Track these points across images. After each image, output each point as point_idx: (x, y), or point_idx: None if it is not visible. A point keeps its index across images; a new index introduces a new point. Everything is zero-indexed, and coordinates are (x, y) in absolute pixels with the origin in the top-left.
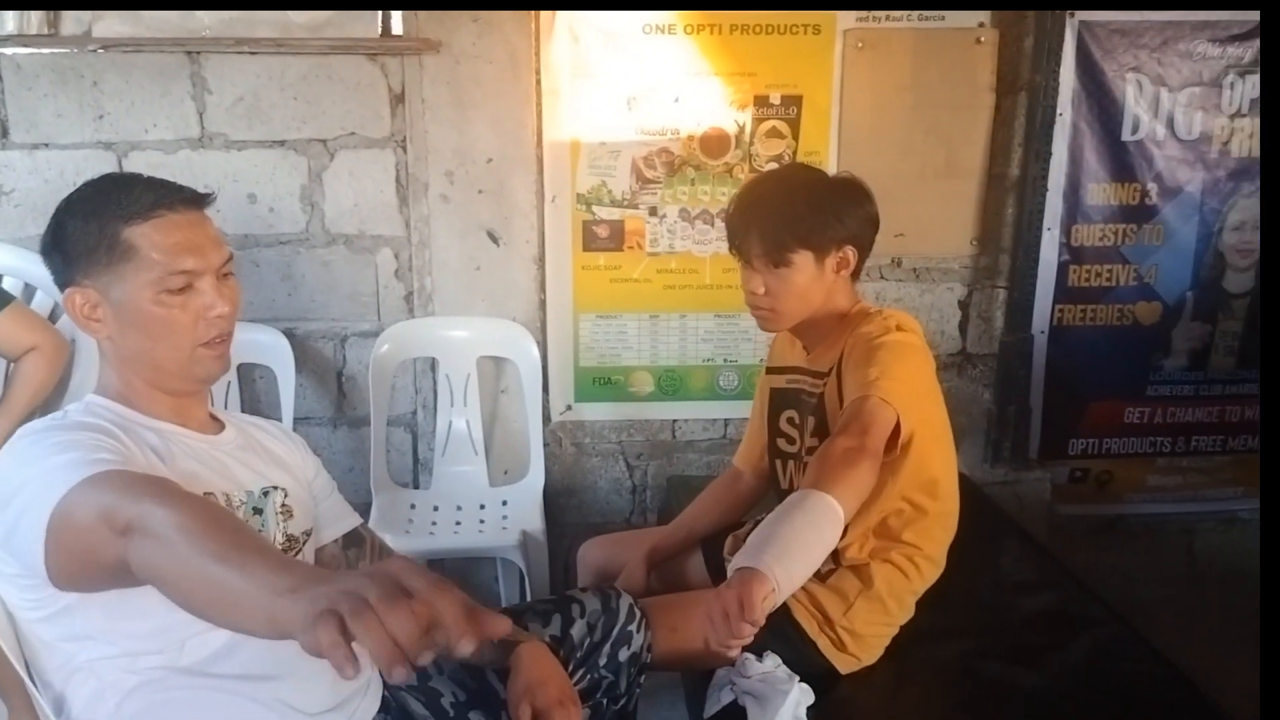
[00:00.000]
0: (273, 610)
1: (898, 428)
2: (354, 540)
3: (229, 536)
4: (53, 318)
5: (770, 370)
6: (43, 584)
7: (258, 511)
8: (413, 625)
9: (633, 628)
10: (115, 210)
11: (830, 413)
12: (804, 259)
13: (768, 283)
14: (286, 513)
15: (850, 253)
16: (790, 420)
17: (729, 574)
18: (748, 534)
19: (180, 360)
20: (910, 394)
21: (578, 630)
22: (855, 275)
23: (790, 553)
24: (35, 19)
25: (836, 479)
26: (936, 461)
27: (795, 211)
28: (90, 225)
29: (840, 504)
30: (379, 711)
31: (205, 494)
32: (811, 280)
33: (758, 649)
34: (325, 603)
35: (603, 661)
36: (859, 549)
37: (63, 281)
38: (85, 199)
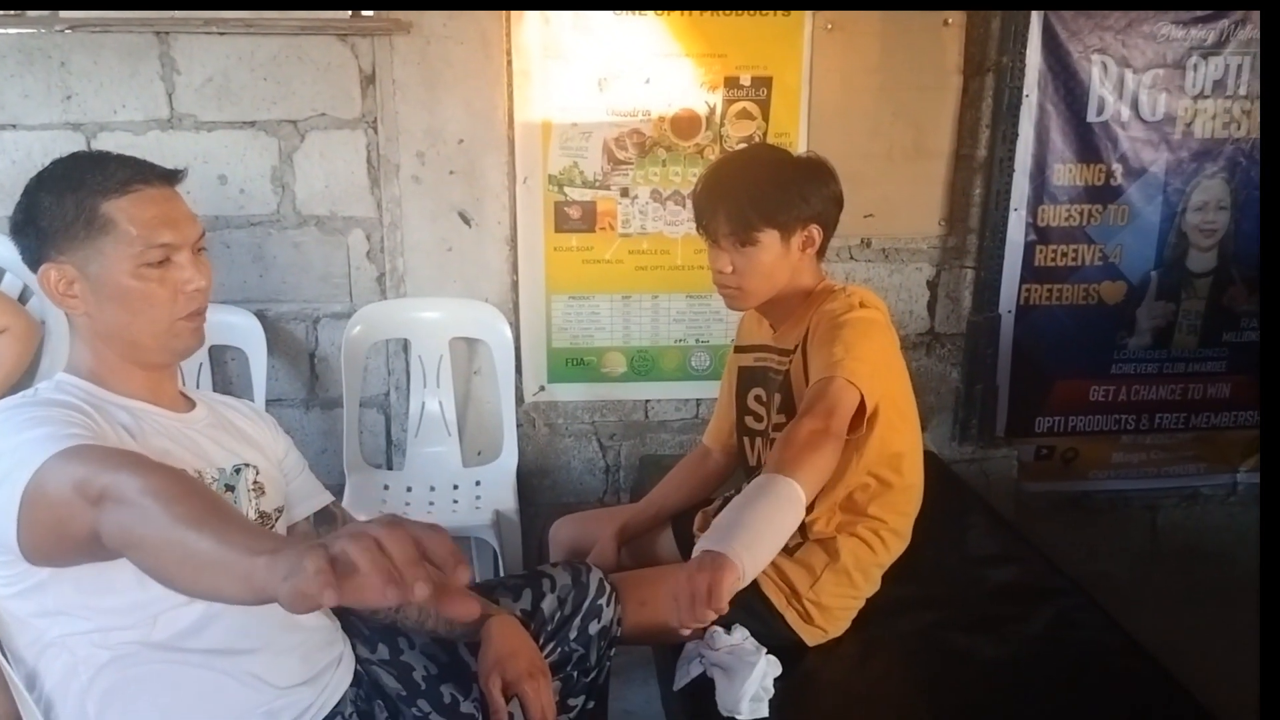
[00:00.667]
0: (250, 571)
1: (863, 406)
2: (325, 518)
3: (202, 503)
4: (22, 299)
5: (738, 349)
6: (15, 560)
7: (229, 489)
8: (410, 546)
9: (602, 601)
10: (92, 185)
11: (796, 389)
12: (770, 237)
13: (735, 261)
14: (258, 490)
15: (815, 231)
16: (758, 398)
17: (695, 553)
18: (717, 510)
19: (158, 334)
20: (874, 372)
21: (548, 604)
22: (820, 253)
23: (757, 540)
24: None
25: (800, 463)
26: (901, 437)
27: (761, 190)
28: (66, 200)
29: (802, 488)
30: (351, 685)
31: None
32: (777, 258)
33: (726, 622)
34: (308, 552)
35: (573, 635)
36: (825, 523)
37: (36, 258)
38: (59, 175)
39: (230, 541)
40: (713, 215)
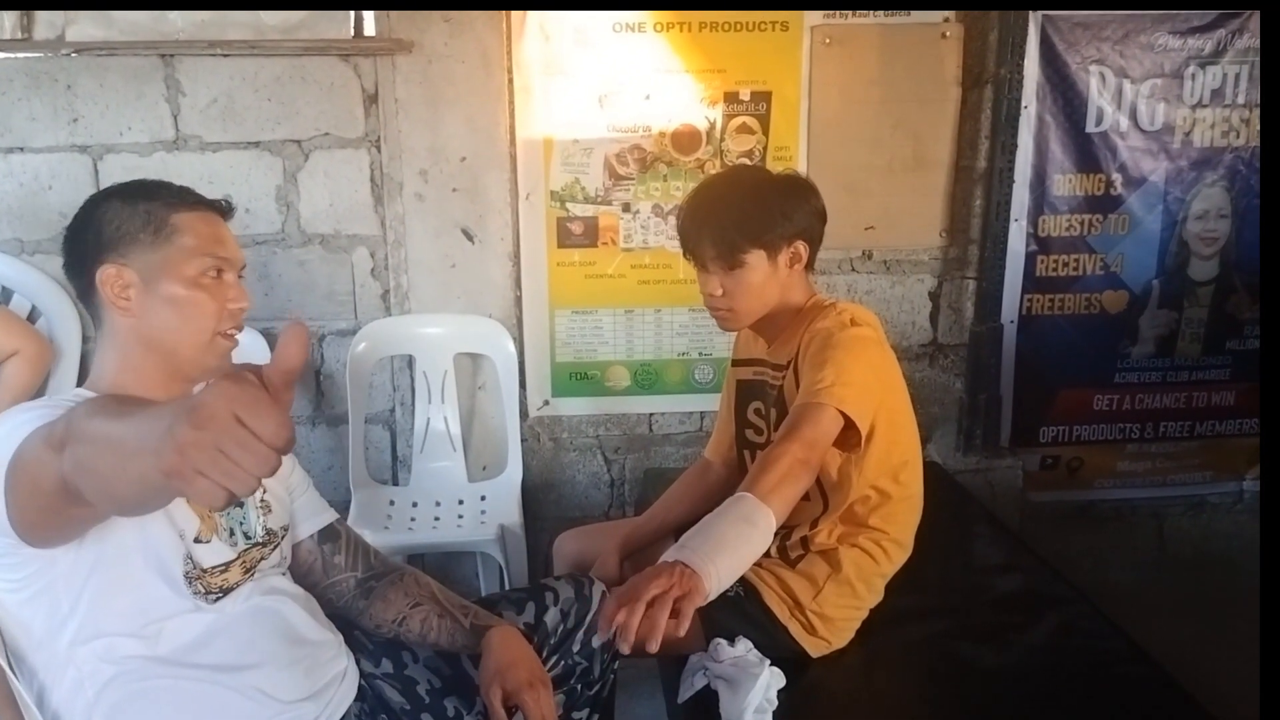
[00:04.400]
0: (155, 446)
1: (854, 428)
2: (329, 536)
3: (127, 404)
4: (31, 319)
5: (736, 363)
6: (15, 546)
7: (239, 504)
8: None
9: None
10: (165, 197)
11: (790, 405)
12: (756, 258)
13: (724, 284)
14: (265, 507)
15: (801, 247)
16: (757, 411)
17: (670, 555)
18: None
19: (199, 344)
20: (865, 393)
21: (551, 617)
22: (809, 267)
23: (733, 570)
24: (8, 24)
25: (779, 494)
26: (900, 448)
27: (744, 212)
28: (137, 207)
29: (776, 519)
30: (355, 700)
31: None
32: (766, 278)
33: (729, 634)
34: (180, 432)
35: (576, 648)
36: (827, 535)
37: (90, 262)
38: (128, 188)
39: (144, 415)
40: (698, 240)
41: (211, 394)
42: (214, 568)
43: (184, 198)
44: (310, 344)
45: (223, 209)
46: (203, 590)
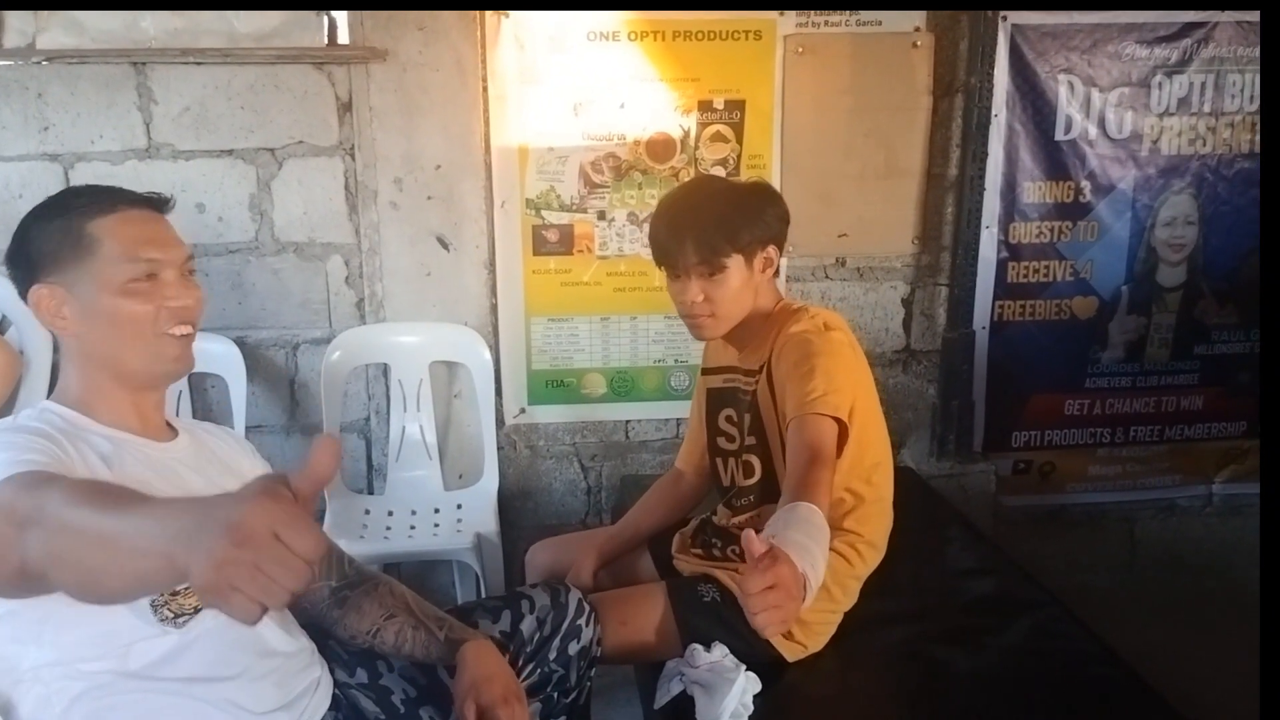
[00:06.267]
0: (170, 550)
1: (844, 433)
2: None
3: (115, 495)
4: (0, 329)
5: (706, 371)
6: None
7: None
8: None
9: (581, 621)
10: (78, 207)
11: (764, 411)
12: (736, 262)
13: (705, 290)
14: None
15: (773, 252)
16: (729, 419)
17: (774, 544)
18: (694, 532)
19: (143, 352)
20: (850, 398)
21: (527, 625)
22: (775, 273)
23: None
24: None
25: (825, 499)
26: (873, 450)
27: (723, 216)
28: (54, 224)
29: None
30: (329, 710)
31: None
32: (744, 282)
33: (705, 639)
34: (218, 550)
35: (553, 655)
36: None
37: (27, 284)
38: (48, 205)
39: (146, 512)
40: (679, 248)
41: (250, 512)
42: (181, 591)
43: (103, 203)
44: (341, 453)
45: (155, 202)
46: (171, 615)
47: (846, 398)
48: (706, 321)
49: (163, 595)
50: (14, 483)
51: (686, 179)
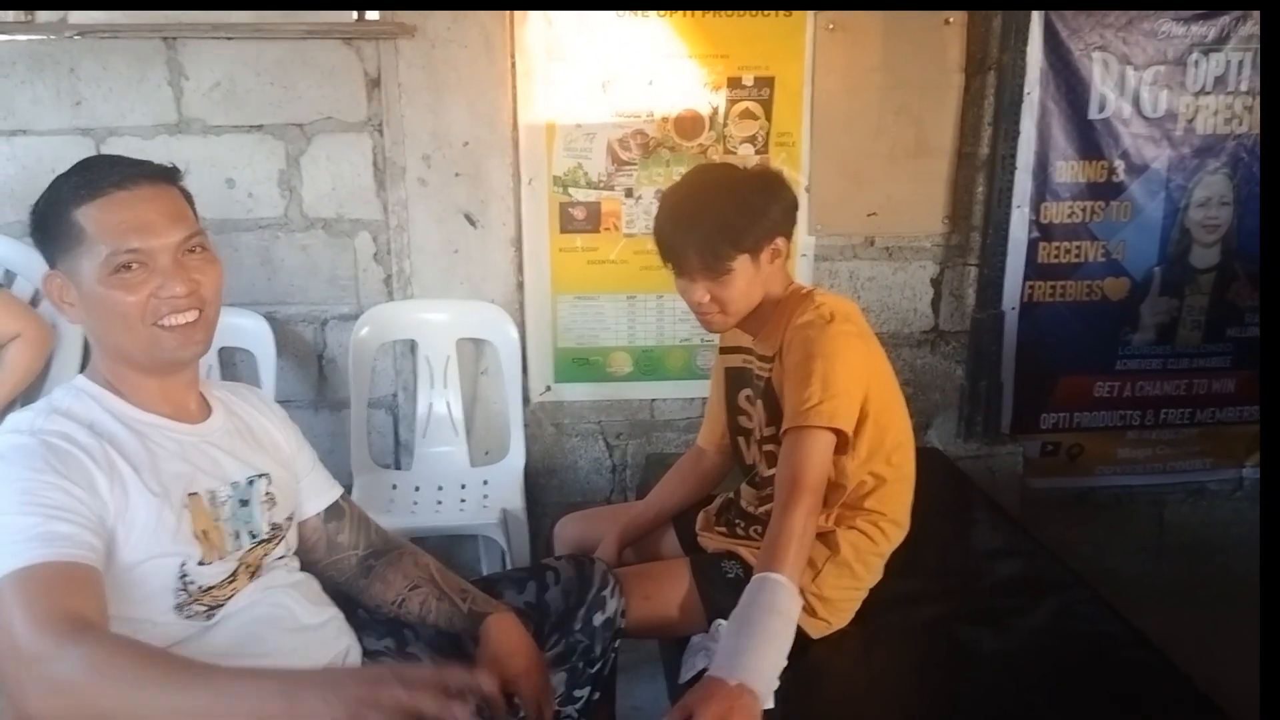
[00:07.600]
0: (292, 705)
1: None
2: (335, 514)
3: (164, 662)
4: (33, 303)
5: (723, 350)
6: None
7: (244, 503)
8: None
9: (606, 593)
10: (66, 193)
11: (780, 396)
12: (742, 262)
13: (712, 291)
14: (270, 501)
15: (781, 243)
16: (748, 398)
17: (711, 673)
18: (717, 510)
19: (139, 341)
20: (851, 400)
21: (552, 597)
22: (785, 258)
23: (778, 668)
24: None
25: (798, 560)
26: (893, 433)
27: (726, 218)
28: (52, 209)
29: (796, 584)
30: None
31: (190, 495)
32: (751, 279)
33: (729, 615)
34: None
35: (578, 626)
36: (825, 518)
37: (48, 267)
38: (55, 184)
39: (234, 687)
40: (683, 252)
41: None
42: (216, 585)
43: (90, 186)
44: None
45: (154, 175)
46: (201, 610)
47: (845, 402)
48: (716, 318)
49: (189, 594)
50: (27, 584)
51: (715, 156)
